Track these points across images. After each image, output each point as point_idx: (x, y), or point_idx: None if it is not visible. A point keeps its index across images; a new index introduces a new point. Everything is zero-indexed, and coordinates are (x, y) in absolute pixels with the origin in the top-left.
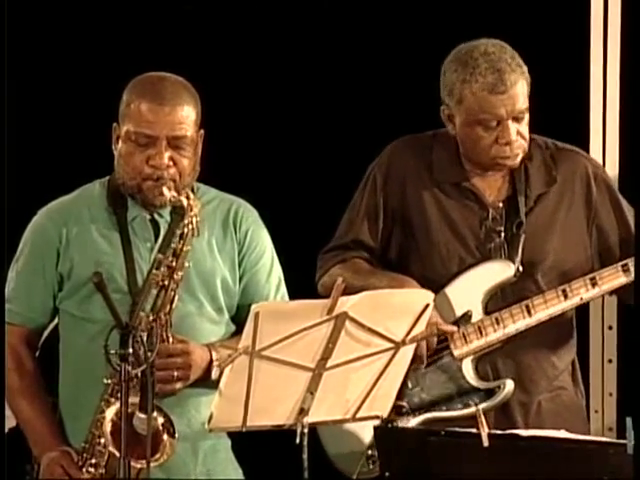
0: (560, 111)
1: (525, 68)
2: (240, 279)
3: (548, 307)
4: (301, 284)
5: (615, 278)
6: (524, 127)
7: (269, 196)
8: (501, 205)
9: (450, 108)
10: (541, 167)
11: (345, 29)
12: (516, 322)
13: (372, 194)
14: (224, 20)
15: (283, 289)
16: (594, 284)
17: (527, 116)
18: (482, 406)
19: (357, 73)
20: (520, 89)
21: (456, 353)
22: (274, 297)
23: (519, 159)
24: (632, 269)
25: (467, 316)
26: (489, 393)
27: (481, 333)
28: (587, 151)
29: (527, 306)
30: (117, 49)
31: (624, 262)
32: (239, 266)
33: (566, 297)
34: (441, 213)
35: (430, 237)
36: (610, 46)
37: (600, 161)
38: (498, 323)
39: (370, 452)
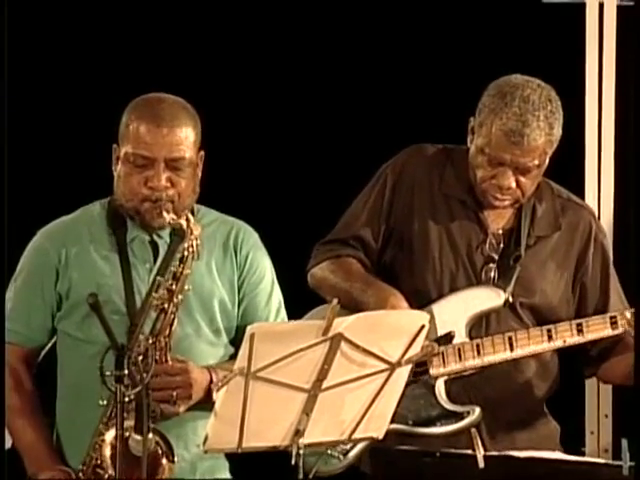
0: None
1: (556, 132)
2: (240, 302)
3: (530, 345)
4: (299, 304)
5: (601, 329)
6: (527, 180)
7: (269, 217)
8: (501, 233)
9: (474, 123)
10: (550, 212)
11: (342, 40)
12: (496, 353)
13: (380, 195)
14: (225, 40)
15: (283, 313)
16: (580, 330)
17: (536, 172)
18: (447, 428)
19: (351, 90)
20: (536, 147)
21: (432, 371)
22: (274, 321)
23: (506, 203)
24: (620, 324)
25: (449, 336)
26: (457, 416)
27: (460, 357)
28: (582, 184)
29: (510, 339)
30: (118, 70)
31: (613, 314)
32: (239, 289)
33: (550, 338)
34: (442, 226)
35: (426, 248)
36: (605, 73)
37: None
38: (479, 351)
39: (330, 451)
